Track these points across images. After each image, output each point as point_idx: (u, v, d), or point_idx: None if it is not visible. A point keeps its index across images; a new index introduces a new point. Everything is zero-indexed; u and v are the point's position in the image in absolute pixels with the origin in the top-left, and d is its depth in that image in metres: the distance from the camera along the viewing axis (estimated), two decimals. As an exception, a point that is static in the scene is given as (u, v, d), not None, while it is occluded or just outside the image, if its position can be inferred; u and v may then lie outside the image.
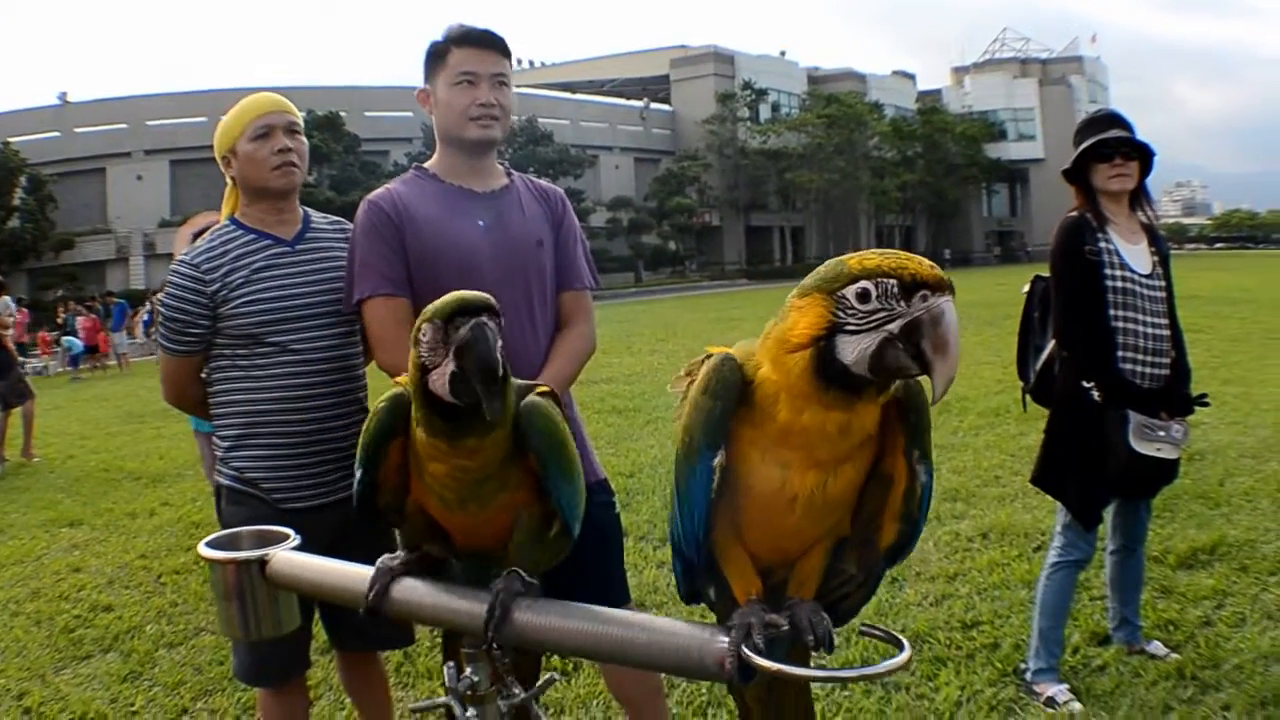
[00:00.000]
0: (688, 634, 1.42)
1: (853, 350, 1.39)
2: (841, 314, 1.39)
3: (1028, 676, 4.52)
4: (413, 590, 1.72)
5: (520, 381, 1.80)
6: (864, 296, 1.38)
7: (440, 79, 3.34)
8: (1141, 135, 4.41)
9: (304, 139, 3.51)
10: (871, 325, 1.38)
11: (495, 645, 1.68)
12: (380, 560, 1.78)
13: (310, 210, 3.60)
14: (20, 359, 15.15)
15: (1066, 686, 4.41)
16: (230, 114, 3.47)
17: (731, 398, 1.49)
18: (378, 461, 1.83)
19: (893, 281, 1.37)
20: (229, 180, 3.53)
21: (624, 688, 3.64)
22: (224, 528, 2.27)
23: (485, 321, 1.63)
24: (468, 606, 1.65)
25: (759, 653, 1.35)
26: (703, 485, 1.53)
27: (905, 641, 1.38)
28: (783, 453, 1.46)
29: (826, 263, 1.45)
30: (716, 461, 1.52)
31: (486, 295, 1.68)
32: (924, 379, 1.46)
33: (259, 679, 3.51)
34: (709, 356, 1.56)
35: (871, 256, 1.41)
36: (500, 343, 1.64)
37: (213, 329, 3.34)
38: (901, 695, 4.54)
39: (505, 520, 1.76)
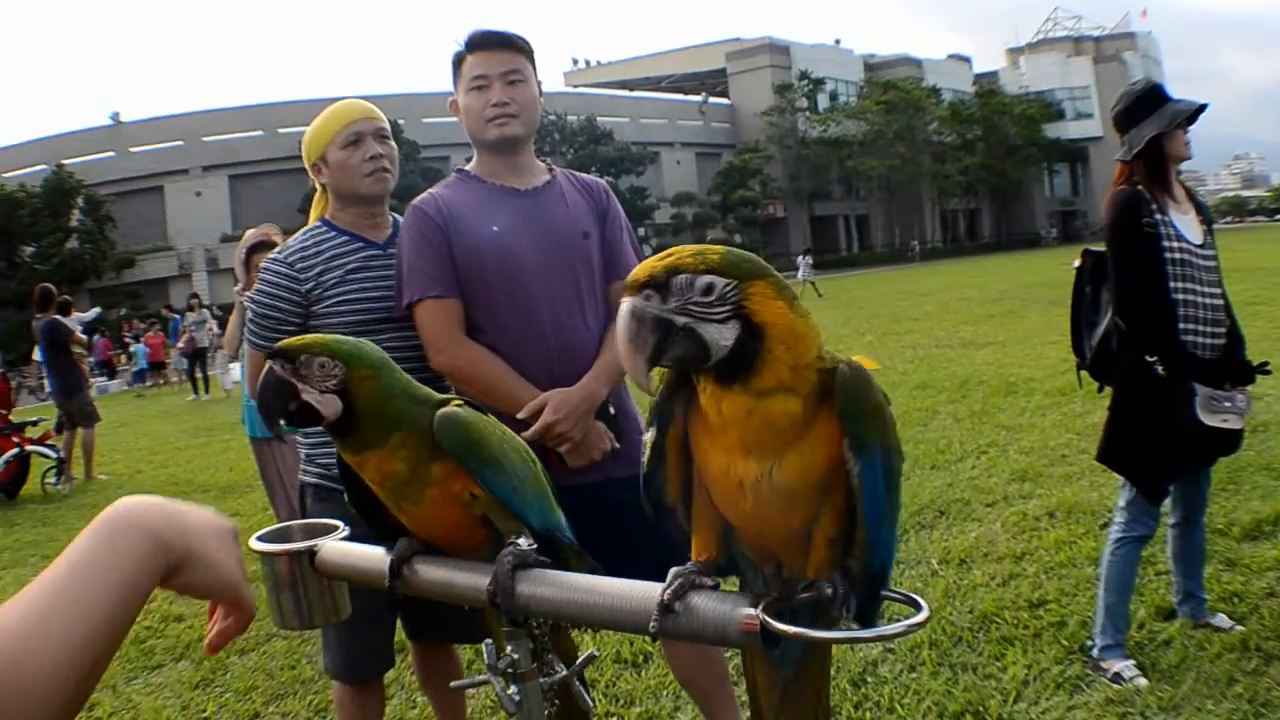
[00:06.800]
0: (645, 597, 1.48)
1: None
2: None
3: (1094, 653, 4.50)
4: (426, 570, 1.82)
5: (436, 396, 1.90)
6: None
7: (460, 87, 3.43)
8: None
9: (393, 144, 3.58)
10: None
11: (533, 623, 1.75)
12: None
13: (399, 216, 3.64)
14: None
15: (1133, 662, 4.40)
16: (317, 122, 3.54)
17: (671, 381, 1.54)
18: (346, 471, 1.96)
19: None
20: (318, 186, 3.61)
21: (691, 676, 3.67)
22: None
23: (269, 366, 1.81)
24: (472, 580, 1.71)
25: (668, 612, 1.43)
26: (645, 458, 1.61)
27: (923, 603, 1.40)
28: (720, 438, 1.48)
29: None
30: (647, 438, 1.59)
31: (288, 343, 1.83)
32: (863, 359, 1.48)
33: (351, 675, 3.55)
34: None
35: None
36: (279, 387, 1.79)
37: (303, 328, 3.36)
38: (969, 675, 4.55)
39: (452, 514, 1.86)
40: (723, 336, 1.39)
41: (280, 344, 1.83)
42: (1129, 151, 4.37)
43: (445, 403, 1.86)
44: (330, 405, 1.78)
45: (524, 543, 1.75)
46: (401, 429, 1.80)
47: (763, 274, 1.43)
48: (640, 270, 1.42)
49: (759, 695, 1.77)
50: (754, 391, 1.40)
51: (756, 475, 1.46)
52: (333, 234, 3.51)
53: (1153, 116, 4.33)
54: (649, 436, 1.59)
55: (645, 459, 1.61)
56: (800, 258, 45.88)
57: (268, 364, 1.81)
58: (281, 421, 1.85)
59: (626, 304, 1.40)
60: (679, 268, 1.40)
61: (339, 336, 1.86)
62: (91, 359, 30.30)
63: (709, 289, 1.39)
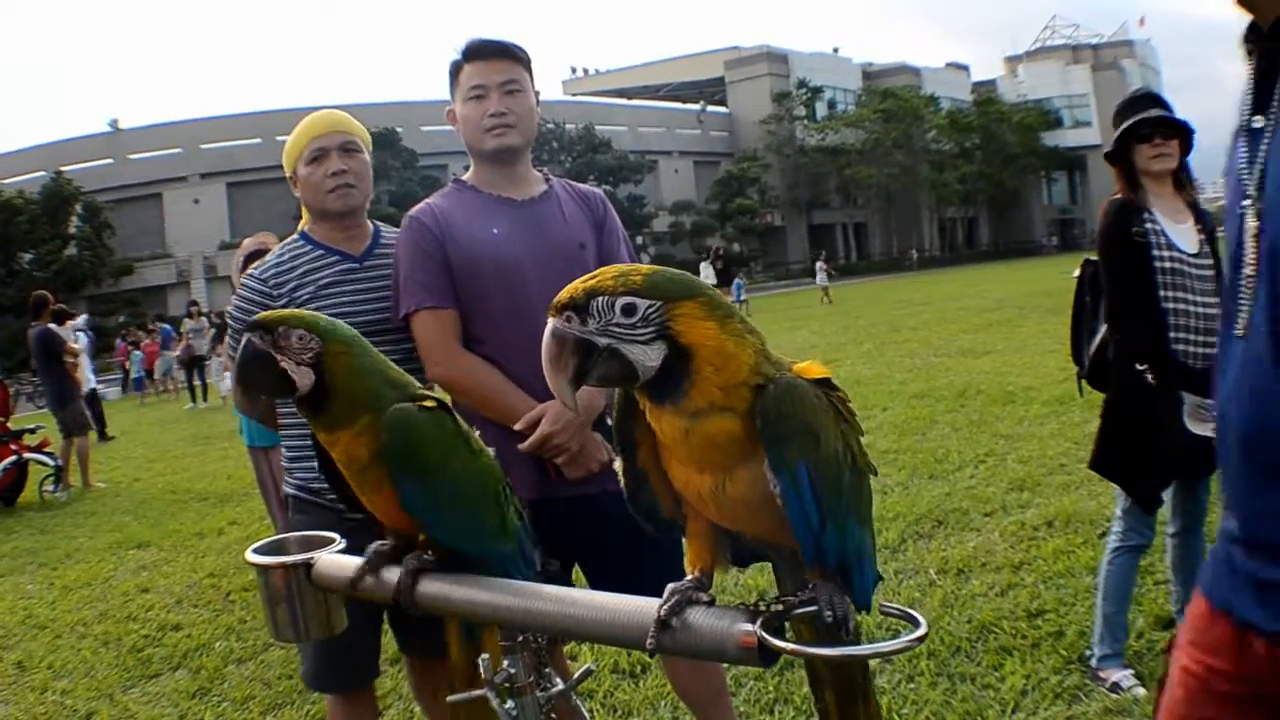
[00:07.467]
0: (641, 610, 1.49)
1: None
2: None
3: (1092, 663, 4.50)
4: (426, 585, 1.82)
5: (411, 390, 1.94)
6: None
7: (458, 96, 3.41)
8: (1184, 116, 4.34)
9: (364, 157, 3.54)
10: None
11: (530, 637, 1.75)
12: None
13: (381, 225, 3.63)
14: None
15: (1131, 671, 4.39)
16: (291, 135, 3.53)
17: (624, 405, 1.58)
18: (320, 455, 2.00)
19: None
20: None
21: (689, 687, 3.64)
22: None
23: (247, 338, 1.86)
24: (469, 595, 1.72)
25: (666, 628, 1.43)
26: (622, 484, 1.65)
27: (921, 619, 1.39)
28: (674, 452, 1.51)
29: None
30: (617, 465, 1.64)
31: (266, 315, 1.88)
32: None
33: (325, 684, 3.53)
34: None
35: None
36: (256, 357, 1.84)
37: None
38: (967, 685, 4.54)
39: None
40: (648, 357, 1.42)
41: (258, 317, 1.86)
42: (1106, 157, 4.41)
43: (421, 398, 1.90)
44: (305, 377, 1.81)
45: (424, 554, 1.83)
46: (372, 412, 1.83)
47: (692, 294, 1.45)
48: (563, 293, 1.46)
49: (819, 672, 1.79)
50: (686, 413, 1.43)
51: (711, 487, 1.49)
52: (309, 248, 3.50)
53: (1123, 126, 4.34)
54: (618, 464, 1.63)
55: (622, 484, 1.64)
56: (817, 264, 45.72)
57: (245, 337, 1.85)
58: (262, 397, 1.88)
59: (549, 325, 1.45)
60: (598, 290, 1.43)
61: (314, 313, 1.91)
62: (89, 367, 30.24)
63: (630, 310, 1.42)
